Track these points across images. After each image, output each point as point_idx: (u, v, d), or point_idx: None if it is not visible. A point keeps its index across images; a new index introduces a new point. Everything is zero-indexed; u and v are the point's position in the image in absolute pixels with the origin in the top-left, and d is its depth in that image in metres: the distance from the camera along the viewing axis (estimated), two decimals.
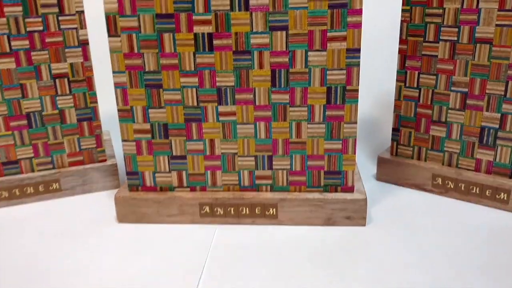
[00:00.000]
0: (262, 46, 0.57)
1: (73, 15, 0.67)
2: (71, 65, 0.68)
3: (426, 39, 0.67)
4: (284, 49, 0.57)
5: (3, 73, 0.66)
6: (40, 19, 0.65)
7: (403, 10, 0.68)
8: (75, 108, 0.70)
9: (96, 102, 0.71)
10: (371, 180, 0.76)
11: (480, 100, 0.65)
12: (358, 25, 0.56)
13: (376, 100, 1.06)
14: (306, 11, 0.56)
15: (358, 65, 0.57)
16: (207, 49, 0.58)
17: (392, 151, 0.74)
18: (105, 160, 0.74)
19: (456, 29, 0.64)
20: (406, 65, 0.69)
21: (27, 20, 0.65)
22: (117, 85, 0.60)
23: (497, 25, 0.61)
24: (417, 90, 0.70)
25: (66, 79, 0.69)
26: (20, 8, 0.64)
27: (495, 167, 0.66)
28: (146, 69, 0.59)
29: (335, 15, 0.56)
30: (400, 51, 0.70)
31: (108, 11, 0.57)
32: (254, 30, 0.57)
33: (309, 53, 0.57)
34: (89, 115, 0.71)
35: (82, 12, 0.67)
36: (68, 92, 0.69)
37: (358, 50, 0.57)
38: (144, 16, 0.57)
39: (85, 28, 0.67)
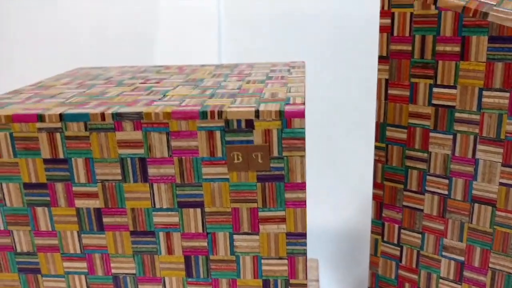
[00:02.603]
0: (169, 226, 0.42)
1: None
2: None
3: (408, 188, 0.51)
4: (200, 231, 0.42)
5: None
6: None
7: (376, 147, 0.52)
8: None
9: None
10: None
11: (482, 274, 0.48)
12: (301, 203, 0.40)
13: (355, 204, 0.89)
14: (227, 184, 0.40)
15: (304, 253, 0.41)
16: (95, 228, 0.43)
17: None
18: None
19: (447, 181, 0.48)
20: (383, 214, 0.53)
21: None
22: None
23: (501, 183, 0.45)
24: (398, 248, 0.53)
25: None
26: None
27: None
28: (18, 250, 0.44)
29: (268, 190, 0.40)
30: (374, 196, 0.53)
31: None
32: (157, 206, 0.41)
33: (235, 236, 0.42)
34: None
35: None
36: None
37: (304, 235, 0.41)
38: (8, 185, 0.42)
39: None
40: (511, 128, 0.43)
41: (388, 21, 0.47)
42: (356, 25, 0.96)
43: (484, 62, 0.43)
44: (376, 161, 0.52)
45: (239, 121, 0.38)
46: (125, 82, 0.51)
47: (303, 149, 0.38)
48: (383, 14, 0.47)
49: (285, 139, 0.38)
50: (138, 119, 0.38)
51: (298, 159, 0.38)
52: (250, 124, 0.38)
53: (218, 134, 0.38)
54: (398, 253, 0.53)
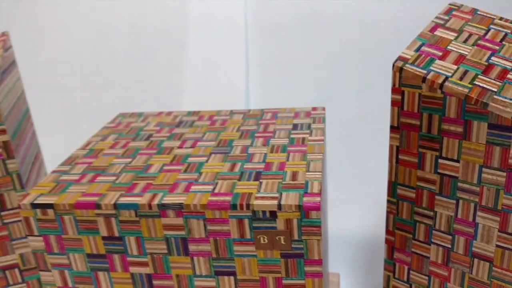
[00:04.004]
0: None
1: (16, 208, 0.61)
2: (21, 255, 0.63)
3: (416, 237, 0.57)
4: None
5: None
6: None
7: (388, 201, 0.58)
8: None
9: None
10: None
11: None
12: (318, 275, 0.47)
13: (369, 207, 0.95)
14: (255, 259, 0.47)
15: None
16: None
17: None
18: None
19: (450, 237, 0.54)
20: (394, 256, 0.60)
21: None
22: None
23: (497, 246, 0.51)
24: (408, 285, 0.60)
25: (16, 269, 0.64)
26: None
27: None
28: None
29: (290, 265, 0.47)
30: (387, 241, 0.60)
31: (34, 248, 0.51)
32: (198, 273, 0.49)
33: None
34: None
35: None
36: (20, 280, 0.64)
37: None
38: (74, 255, 0.50)
39: None
40: (507, 202, 0.48)
41: (399, 97, 0.51)
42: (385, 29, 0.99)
43: (484, 144, 0.47)
44: (388, 212, 0.58)
45: (264, 212, 0.44)
46: (164, 146, 0.58)
47: (319, 234, 0.44)
48: (394, 90, 0.51)
49: (304, 227, 0.44)
50: (179, 209, 0.45)
51: (315, 242, 0.45)
52: (273, 214, 0.44)
53: (246, 221, 0.45)
54: None
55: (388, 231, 0.59)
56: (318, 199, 0.44)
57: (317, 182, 0.47)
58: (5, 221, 0.61)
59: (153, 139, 0.60)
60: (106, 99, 1.08)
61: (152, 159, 0.55)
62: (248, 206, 0.44)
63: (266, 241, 0.46)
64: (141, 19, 1.09)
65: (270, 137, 0.58)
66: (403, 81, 0.51)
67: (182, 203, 0.45)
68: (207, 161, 0.53)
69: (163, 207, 0.46)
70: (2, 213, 0.60)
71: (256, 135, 0.59)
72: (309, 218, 0.44)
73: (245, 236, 0.46)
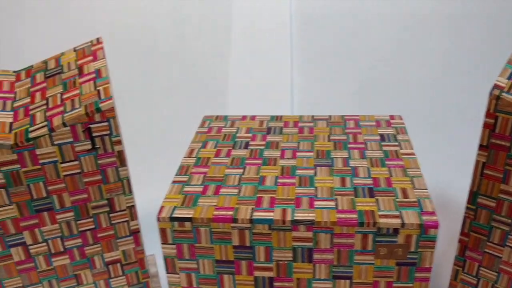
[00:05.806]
0: None
1: (124, 210, 0.65)
2: (123, 252, 0.68)
3: (491, 240, 0.64)
4: None
5: (58, 268, 0.66)
6: (91, 219, 0.64)
7: (467, 208, 0.64)
8: (128, 285, 0.71)
9: (147, 277, 0.71)
10: None
11: None
12: (426, 279, 0.54)
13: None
14: (372, 267, 0.53)
15: None
16: None
17: None
18: None
19: None
20: (466, 254, 0.67)
21: (79, 222, 0.64)
22: None
23: None
24: (476, 279, 0.68)
25: (118, 264, 0.69)
26: (71, 214, 0.63)
27: None
28: None
29: (402, 271, 0.53)
30: (461, 241, 0.67)
31: (166, 254, 0.56)
32: (317, 277, 0.55)
33: None
34: None
35: (133, 206, 0.65)
36: (121, 273, 0.69)
37: None
38: (203, 260, 0.56)
39: (136, 219, 0.66)
40: None
41: (492, 121, 0.57)
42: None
43: None
44: (465, 217, 0.65)
45: (388, 229, 0.50)
46: (266, 156, 0.63)
47: (433, 246, 0.51)
48: (488, 115, 0.57)
49: (421, 241, 0.51)
50: (310, 224, 0.51)
51: (429, 253, 0.51)
52: (396, 231, 0.50)
53: (370, 236, 0.51)
54: (475, 282, 0.68)
55: (463, 233, 0.66)
56: (435, 217, 0.50)
57: (428, 200, 0.53)
58: (113, 221, 0.65)
59: (252, 148, 0.65)
60: (156, 99, 1.10)
61: (262, 171, 0.60)
62: (374, 224, 0.50)
63: (386, 252, 0.52)
64: (184, 14, 1.10)
65: (363, 149, 0.63)
66: (498, 107, 0.56)
67: (313, 220, 0.51)
68: (315, 174, 0.59)
69: (295, 222, 0.51)
70: (111, 215, 0.65)
71: (349, 146, 0.64)
72: (428, 235, 0.50)
73: (367, 247, 0.52)
